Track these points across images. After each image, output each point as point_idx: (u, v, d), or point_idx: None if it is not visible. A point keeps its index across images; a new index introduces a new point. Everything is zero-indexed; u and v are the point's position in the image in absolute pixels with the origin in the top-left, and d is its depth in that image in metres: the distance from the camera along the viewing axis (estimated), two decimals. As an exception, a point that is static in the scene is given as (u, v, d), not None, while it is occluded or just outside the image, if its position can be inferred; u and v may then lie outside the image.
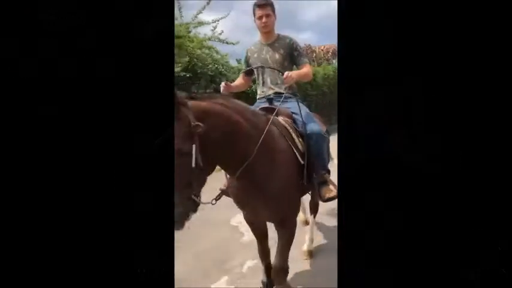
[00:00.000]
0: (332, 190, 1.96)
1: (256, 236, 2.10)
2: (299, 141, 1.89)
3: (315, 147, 1.93)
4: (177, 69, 7.58)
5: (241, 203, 1.86)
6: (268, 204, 1.71)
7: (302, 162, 1.82)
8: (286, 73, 1.97)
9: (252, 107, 1.91)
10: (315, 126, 2.00)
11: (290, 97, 2.20)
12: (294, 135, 1.89)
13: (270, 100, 2.18)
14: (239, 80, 2.44)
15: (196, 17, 8.33)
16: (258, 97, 2.33)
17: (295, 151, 1.81)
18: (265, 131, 1.66)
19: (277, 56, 2.22)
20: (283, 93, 2.16)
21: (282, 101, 2.10)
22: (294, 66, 2.29)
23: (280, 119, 1.96)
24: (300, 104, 2.12)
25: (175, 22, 8.11)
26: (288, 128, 1.90)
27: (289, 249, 1.88)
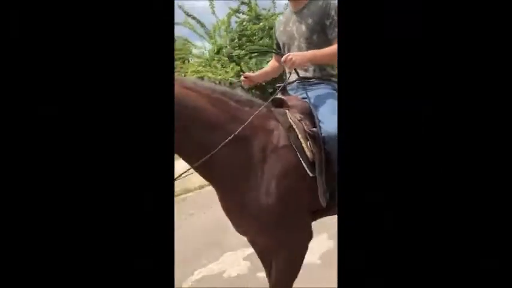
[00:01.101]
0: None
1: (260, 257, 1.63)
2: (307, 145, 1.40)
3: (333, 155, 1.39)
4: (270, 59, 7.82)
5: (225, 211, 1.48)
6: (254, 223, 1.35)
7: (311, 174, 1.37)
8: (285, 56, 1.47)
9: (243, 95, 1.49)
10: (332, 126, 1.39)
11: (320, 83, 1.64)
12: (301, 137, 1.40)
13: (284, 88, 1.66)
14: (270, 64, 1.94)
15: (287, 6, 8.40)
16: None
17: (300, 159, 1.37)
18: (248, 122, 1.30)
19: (303, 27, 1.63)
20: (311, 78, 1.64)
21: (306, 89, 1.61)
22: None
23: (289, 114, 1.48)
24: (324, 93, 1.58)
25: (269, 12, 8.33)
26: (295, 126, 1.42)
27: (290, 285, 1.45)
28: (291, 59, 1.45)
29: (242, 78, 1.68)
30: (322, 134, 1.42)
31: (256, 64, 7.53)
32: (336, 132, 1.32)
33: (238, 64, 7.64)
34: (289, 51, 1.68)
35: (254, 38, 8.05)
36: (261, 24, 8.05)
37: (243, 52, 7.05)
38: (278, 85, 1.64)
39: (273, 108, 1.51)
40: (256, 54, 7.63)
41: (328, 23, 1.59)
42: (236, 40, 8.18)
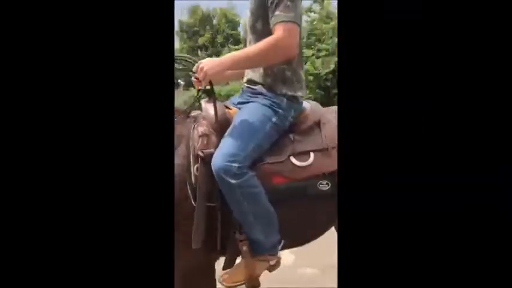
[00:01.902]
0: (232, 276, 1.17)
1: None
2: (194, 169, 1.15)
3: (223, 190, 1.12)
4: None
5: None
6: None
7: (194, 203, 1.12)
8: (196, 65, 1.16)
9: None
10: (219, 155, 1.13)
11: (260, 93, 1.27)
12: (192, 155, 1.17)
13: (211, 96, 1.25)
14: None
15: None
16: None
17: (187, 185, 1.14)
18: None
19: (248, 14, 1.28)
20: (257, 83, 1.30)
21: (248, 96, 1.31)
22: None
23: (196, 125, 1.23)
24: (251, 108, 1.25)
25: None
26: (191, 143, 1.20)
27: None
28: (202, 68, 1.13)
29: (193, 78, 1.27)
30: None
31: (322, 64, 7.43)
32: (218, 164, 1.10)
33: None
34: None
35: (323, 37, 7.95)
36: (332, 23, 7.92)
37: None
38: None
39: (196, 114, 1.30)
40: (324, 54, 7.47)
41: (269, 3, 1.15)
42: (304, 39, 8.17)
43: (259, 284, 1.21)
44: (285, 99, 1.25)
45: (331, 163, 1.14)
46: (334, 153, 1.14)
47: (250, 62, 1.21)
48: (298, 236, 1.28)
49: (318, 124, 1.27)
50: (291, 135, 1.25)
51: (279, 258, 1.21)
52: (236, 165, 1.09)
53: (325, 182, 1.16)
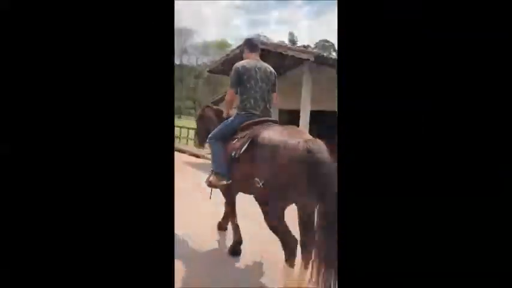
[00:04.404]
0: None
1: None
2: None
3: None
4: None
5: None
6: None
7: None
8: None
9: None
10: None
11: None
12: None
13: None
14: None
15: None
16: None
17: None
18: None
19: None
20: None
21: None
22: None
23: None
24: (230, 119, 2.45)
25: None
26: None
27: None
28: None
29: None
30: None
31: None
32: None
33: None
34: None
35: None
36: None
37: None
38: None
39: None
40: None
41: None
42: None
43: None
44: (236, 112, 2.46)
45: (237, 146, 2.14)
46: (240, 141, 2.16)
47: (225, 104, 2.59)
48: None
49: (247, 129, 2.26)
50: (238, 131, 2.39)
51: (224, 183, 2.28)
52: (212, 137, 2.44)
53: (233, 153, 2.14)
